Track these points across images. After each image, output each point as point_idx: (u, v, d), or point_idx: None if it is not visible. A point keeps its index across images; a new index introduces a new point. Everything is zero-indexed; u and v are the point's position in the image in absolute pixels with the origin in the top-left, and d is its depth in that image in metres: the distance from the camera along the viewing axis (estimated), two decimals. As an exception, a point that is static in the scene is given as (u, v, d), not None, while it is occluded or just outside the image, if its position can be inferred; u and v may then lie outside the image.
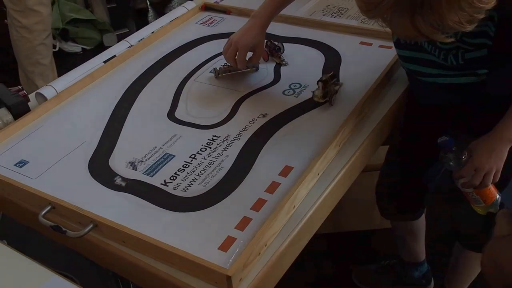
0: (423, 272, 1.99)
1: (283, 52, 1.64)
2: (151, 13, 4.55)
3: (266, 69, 1.59)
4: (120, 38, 3.89)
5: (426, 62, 1.31)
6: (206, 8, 1.98)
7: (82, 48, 3.95)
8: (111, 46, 1.78)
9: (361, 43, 1.67)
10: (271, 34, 1.74)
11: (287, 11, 1.82)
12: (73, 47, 3.94)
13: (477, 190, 1.36)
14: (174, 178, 1.23)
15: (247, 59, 1.51)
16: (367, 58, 1.59)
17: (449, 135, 1.32)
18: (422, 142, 1.54)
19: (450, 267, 1.88)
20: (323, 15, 1.89)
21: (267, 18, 1.51)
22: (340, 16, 1.87)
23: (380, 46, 1.63)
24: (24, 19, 2.87)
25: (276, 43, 1.64)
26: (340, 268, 2.19)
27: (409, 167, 1.66)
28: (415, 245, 1.93)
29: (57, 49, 3.79)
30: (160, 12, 4.39)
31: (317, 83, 1.42)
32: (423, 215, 1.84)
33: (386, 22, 1.01)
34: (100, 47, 3.95)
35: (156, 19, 1.93)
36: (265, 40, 1.56)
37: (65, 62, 3.63)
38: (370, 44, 1.65)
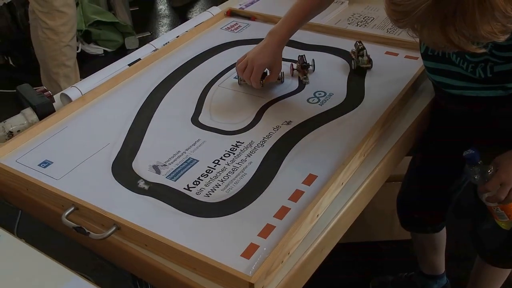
0: (442, 285, 1.97)
1: (313, 71, 1.61)
2: (171, 17, 4.57)
3: (291, 77, 1.59)
4: (142, 41, 3.94)
5: (453, 74, 1.30)
6: (231, 14, 1.98)
7: (104, 50, 3.97)
8: (132, 49, 1.79)
9: (387, 53, 1.66)
10: (296, 41, 1.74)
11: (312, 19, 1.82)
12: (95, 49, 3.96)
13: (502, 205, 1.34)
14: (197, 183, 1.23)
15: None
16: (392, 68, 1.58)
17: (475, 149, 1.31)
18: (446, 154, 1.53)
19: (470, 281, 1.86)
20: (349, 23, 1.88)
21: (285, 35, 1.49)
22: (365, 25, 1.87)
23: (406, 56, 1.63)
24: (51, 20, 2.89)
25: (308, 62, 1.60)
26: (358, 278, 2.17)
27: (431, 179, 1.65)
28: (435, 257, 1.91)
29: (79, 50, 3.81)
30: (182, 16, 4.41)
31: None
32: (444, 228, 1.83)
33: (416, 32, 1.00)
34: (122, 50, 3.98)
35: (176, 24, 1.94)
36: (299, 55, 1.56)
37: (86, 64, 3.66)
38: (396, 54, 1.65)
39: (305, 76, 1.58)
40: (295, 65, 1.61)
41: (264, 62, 1.47)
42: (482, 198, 1.34)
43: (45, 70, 3.08)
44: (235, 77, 1.60)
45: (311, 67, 1.60)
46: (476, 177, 1.32)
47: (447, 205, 1.71)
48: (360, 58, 1.59)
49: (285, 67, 1.58)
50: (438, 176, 1.62)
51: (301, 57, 1.60)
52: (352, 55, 1.62)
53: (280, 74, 1.54)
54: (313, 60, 1.61)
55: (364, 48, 1.60)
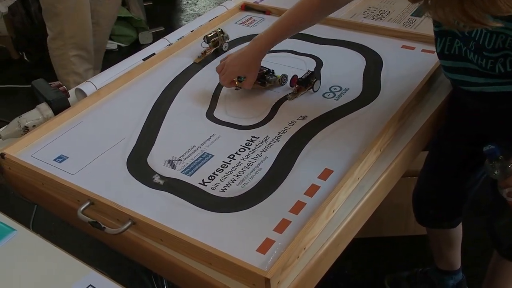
0: (458, 280, 1.96)
1: (316, 91, 1.50)
2: (185, 12, 4.57)
3: (306, 71, 1.58)
4: (156, 36, 3.94)
5: (471, 72, 1.28)
6: (245, 8, 1.98)
7: (117, 45, 3.97)
8: (146, 44, 1.80)
9: (403, 46, 1.65)
10: (312, 35, 1.73)
11: (328, 13, 1.80)
12: (109, 44, 3.95)
13: None
14: (213, 178, 1.22)
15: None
16: (409, 62, 1.57)
17: (495, 144, 1.29)
18: (463, 150, 1.51)
19: (487, 277, 1.84)
20: (364, 17, 1.87)
21: (265, 47, 1.47)
22: (381, 19, 1.85)
23: (423, 50, 1.61)
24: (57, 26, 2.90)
25: (313, 79, 1.50)
26: (373, 274, 2.16)
27: (447, 175, 1.64)
28: (450, 253, 1.90)
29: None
30: (196, 11, 4.41)
31: None
32: (460, 224, 1.81)
33: (431, 10, 0.97)
34: (136, 45, 3.98)
35: (190, 18, 1.94)
36: (307, 71, 1.51)
37: (101, 59, 3.65)
38: (413, 48, 1.63)
39: (295, 92, 1.49)
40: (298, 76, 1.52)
41: (235, 70, 1.47)
42: (503, 194, 1.32)
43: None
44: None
45: (314, 85, 1.50)
46: (496, 173, 1.30)
47: (463, 201, 1.69)
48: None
49: (290, 73, 1.55)
50: (454, 172, 1.61)
51: (310, 73, 1.51)
52: None
53: (283, 78, 1.53)
54: (319, 82, 1.52)
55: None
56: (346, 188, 1.15)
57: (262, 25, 1.87)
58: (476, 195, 1.68)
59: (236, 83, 1.51)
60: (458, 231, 1.83)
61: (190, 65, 1.67)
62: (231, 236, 1.08)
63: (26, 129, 1.41)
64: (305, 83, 1.48)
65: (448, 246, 1.87)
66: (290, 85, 1.52)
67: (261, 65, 1.55)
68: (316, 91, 1.49)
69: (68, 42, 2.89)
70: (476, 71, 1.26)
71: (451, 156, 1.59)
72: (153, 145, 1.35)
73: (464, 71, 1.30)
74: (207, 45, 1.71)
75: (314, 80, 1.49)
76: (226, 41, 1.72)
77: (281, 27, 1.47)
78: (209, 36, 1.69)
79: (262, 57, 1.49)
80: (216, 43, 1.71)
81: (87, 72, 3.02)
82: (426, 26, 1.79)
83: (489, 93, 1.28)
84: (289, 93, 1.49)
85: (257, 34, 1.77)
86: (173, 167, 1.27)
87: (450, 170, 1.62)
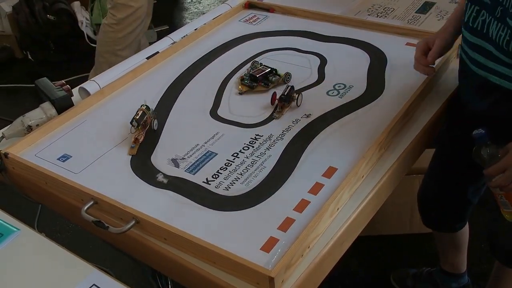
0: (462, 284, 1.94)
1: (299, 105, 1.43)
2: (189, 10, 4.56)
3: (310, 69, 1.58)
4: (160, 34, 3.93)
5: (485, 52, 1.26)
6: (249, 6, 1.97)
7: (122, 44, 3.97)
8: (150, 42, 1.78)
9: (408, 44, 1.64)
10: (316, 33, 1.73)
11: (331, 10, 1.80)
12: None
13: (505, 192, 1.26)
14: (216, 176, 1.22)
15: None
16: (413, 59, 1.55)
17: (485, 128, 1.24)
18: (463, 152, 1.50)
19: (489, 283, 1.81)
20: (368, 14, 1.86)
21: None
22: (386, 16, 1.85)
23: (427, 47, 1.60)
24: (117, 13, 2.92)
25: (296, 94, 1.43)
26: (379, 272, 2.16)
27: (448, 178, 1.62)
28: (455, 256, 1.88)
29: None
30: (200, 9, 4.40)
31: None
32: (466, 227, 1.79)
33: None
34: (140, 43, 3.97)
35: (194, 17, 1.93)
36: (286, 87, 1.43)
37: (105, 58, 3.65)
38: (417, 45, 1.62)
39: (279, 110, 1.42)
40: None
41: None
42: (488, 183, 1.27)
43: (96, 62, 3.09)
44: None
45: (294, 102, 1.43)
46: (484, 157, 1.26)
47: (466, 206, 1.67)
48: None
49: (294, 71, 1.55)
50: (455, 176, 1.60)
51: (291, 88, 1.43)
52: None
53: (286, 76, 1.52)
54: (301, 95, 1.44)
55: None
56: (351, 186, 1.14)
57: (266, 23, 1.86)
58: (484, 194, 1.66)
59: (240, 87, 1.51)
60: (464, 235, 1.81)
61: (194, 63, 1.67)
62: (235, 235, 1.08)
63: (29, 128, 1.40)
64: (288, 99, 1.42)
65: (452, 249, 1.86)
66: (271, 103, 1.44)
67: (264, 64, 1.55)
68: (299, 106, 1.43)
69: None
70: (490, 53, 1.24)
71: (452, 159, 1.58)
72: (156, 143, 1.35)
73: (480, 50, 1.28)
74: (135, 130, 1.36)
75: (297, 94, 1.43)
76: (154, 119, 1.40)
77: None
78: (137, 118, 1.34)
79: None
80: (146, 124, 1.36)
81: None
82: (430, 23, 1.78)
83: (491, 86, 1.27)
84: (275, 112, 1.41)
85: (262, 32, 1.77)
86: (177, 165, 1.27)
87: (450, 174, 1.60)
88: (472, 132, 1.25)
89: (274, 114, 1.41)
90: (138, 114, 1.35)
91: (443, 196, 1.67)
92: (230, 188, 1.19)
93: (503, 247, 1.60)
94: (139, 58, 1.68)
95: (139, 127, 1.35)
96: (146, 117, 1.35)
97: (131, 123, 1.35)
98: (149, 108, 1.38)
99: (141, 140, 1.33)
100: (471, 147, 1.32)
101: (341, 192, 1.11)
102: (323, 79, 1.53)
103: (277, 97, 1.42)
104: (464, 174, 1.57)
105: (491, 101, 1.32)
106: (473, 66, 1.31)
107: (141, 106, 1.37)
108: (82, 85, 1.56)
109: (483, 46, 1.26)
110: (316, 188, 1.16)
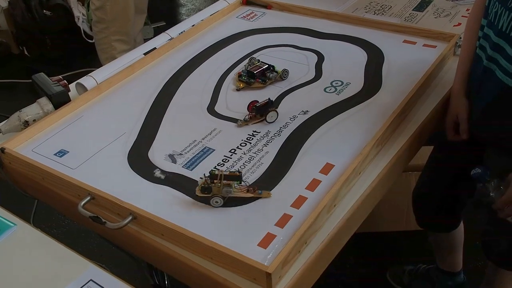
0: (457, 282, 1.94)
1: (270, 122, 1.36)
2: (186, 6, 4.56)
3: (308, 65, 1.58)
4: (157, 30, 3.93)
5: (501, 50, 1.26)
6: (247, 2, 1.97)
7: (119, 39, 3.97)
8: (147, 38, 1.78)
9: (405, 41, 1.65)
10: (313, 30, 1.73)
11: (329, 7, 1.80)
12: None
13: None
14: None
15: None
16: (410, 57, 1.56)
17: (482, 166, 1.28)
18: (458, 154, 1.50)
19: (484, 283, 1.79)
20: (366, 12, 1.87)
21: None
22: (383, 14, 1.85)
23: (424, 45, 1.61)
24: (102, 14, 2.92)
25: (269, 110, 1.36)
26: (375, 268, 2.16)
27: (444, 179, 1.63)
28: (451, 255, 1.89)
29: (94, 40, 3.82)
30: (197, 5, 4.40)
31: None
32: (461, 227, 1.80)
33: None
34: (137, 39, 3.96)
35: (191, 13, 1.93)
36: (267, 99, 1.37)
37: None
38: (414, 43, 1.63)
39: (247, 119, 1.37)
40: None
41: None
42: (499, 215, 1.31)
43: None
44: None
45: (270, 118, 1.37)
46: (490, 195, 1.29)
47: (462, 205, 1.68)
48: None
49: (292, 68, 1.54)
50: (450, 176, 1.60)
51: (270, 102, 1.37)
52: None
53: (284, 72, 1.52)
54: (277, 113, 1.37)
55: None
56: (348, 183, 1.15)
57: (264, 19, 1.86)
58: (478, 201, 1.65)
59: (237, 83, 1.51)
60: (459, 234, 1.81)
61: (191, 59, 1.67)
62: (232, 231, 1.08)
63: (26, 124, 1.40)
64: (260, 111, 1.36)
65: (448, 248, 1.86)
66: (247, 109, 1.39)
67: (262, 61, 1.55)
68: (270, 123, 1.37)
69: (110, 26, 2.90)
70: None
71: (447, 161, 1.58)
72: (154, 139, 1.34)
73: (486, 39, 1.29)
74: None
75: (270, 110, 1.36)
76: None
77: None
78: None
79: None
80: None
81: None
82: (427, 20, 1.79)
83: (495, 82, 1.27)
84: (240, 120, 1.37)
85: (259, 28, 1.77)
86: (174, 161, 1.27)
87: (445, 175, 1.61)
88: (471, 173, 1.29)
89: (239, 121, 1.37)
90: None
91: (436, 195, 1.68)
92: (227, 184, 1.19)
93: (496, 249, 1.60)
94: (136, 54, 1.68)
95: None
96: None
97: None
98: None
99: None
100: (466, 150, 1.33)
101: (338, 188, 1.11)
102: (321, 76, 1.53)
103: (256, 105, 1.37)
104: (458, 176, 1.57)
105: (483, 108, 1.32)
106: (479, 51, 1.32)
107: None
108: (79, 80, 1.56)
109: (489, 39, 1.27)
110: (313, 185, 1.17)
